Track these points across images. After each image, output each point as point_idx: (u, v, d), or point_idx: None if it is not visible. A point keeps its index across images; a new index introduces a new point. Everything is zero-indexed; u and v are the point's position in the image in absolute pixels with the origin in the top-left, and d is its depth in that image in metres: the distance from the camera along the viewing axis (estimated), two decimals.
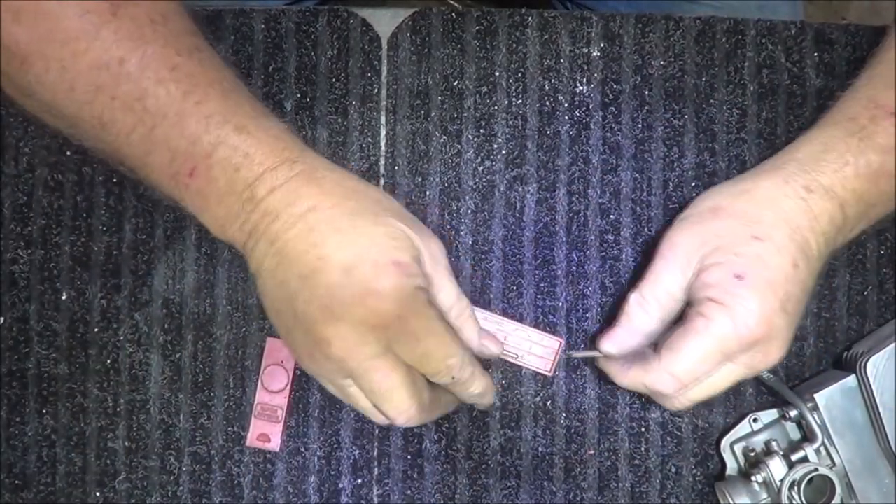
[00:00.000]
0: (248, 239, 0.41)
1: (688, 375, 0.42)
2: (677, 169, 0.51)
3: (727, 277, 0.42)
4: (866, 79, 0.46)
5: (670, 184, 0.51)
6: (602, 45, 0.52)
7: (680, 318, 0.44)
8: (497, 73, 0.52)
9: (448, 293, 0.43)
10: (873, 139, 0.43)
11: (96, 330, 0.50)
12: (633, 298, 0.45)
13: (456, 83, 0.51)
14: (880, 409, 0.46)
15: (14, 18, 0.38)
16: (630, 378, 0.45)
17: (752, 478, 0.47)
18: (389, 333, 0.39)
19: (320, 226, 0.40)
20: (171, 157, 0.40)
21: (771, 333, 0.42)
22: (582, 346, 0.51)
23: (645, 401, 0.50)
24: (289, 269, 0.40)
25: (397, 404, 0.41)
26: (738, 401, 0.51)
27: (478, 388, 0.44)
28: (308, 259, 0.40)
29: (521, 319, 0.51)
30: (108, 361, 0.50)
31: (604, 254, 0.51)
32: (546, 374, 0.50)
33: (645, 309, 0.45)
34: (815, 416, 0.47)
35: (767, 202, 0.44)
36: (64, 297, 0.50)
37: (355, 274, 0.39)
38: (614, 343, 0.45)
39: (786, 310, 0.42)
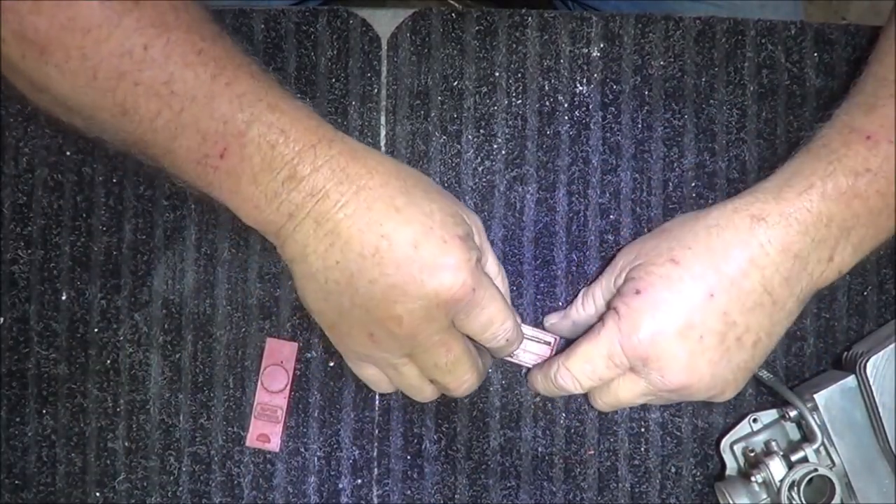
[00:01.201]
0: (288, 221, 0.40)
1: (580, 373, 0.45)
2: (677, 169, 0.51)
3: (630, 291, 0.44)
4: (845, 107, 0.45)
5: (670, 184, 0.51)
6: (602, 45, 0.52)
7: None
8: (497, 74, 0.52)
9: (492, 263, 0.46)
10: (843, 162, 0.42)
11: (96, 330, 0.50)
12: (581, 291, 0.50)
13: (456, 83, 0.51)
14: (880, 410, 0.46)
15: (33, 8, 0.37)
16: (542, 374, 0.47)
17: (752, 478, 0.47)
18: (459, 306, 0.41)
19: (377, 204, 0.40)
20: (201, 140, 0.39)
21: (659, 354, 0.42)
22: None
23: None
24: (346, 249, 0.40)
25: (461, 374, 0.44)
26: (738, 401, 0.51)
27: (517, 345, 0.47)
28: (369, 238, 0.40)
29: (520, 319, 0.51)
30: (108, 362, 0.50)
31: (604, 254, 0.51)
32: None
33: (582, 300, 0.49)
34: (815, 417, 0.47)
35: (706, 231, 0.43)
36: (64, 298, 0.50)
37: (423, 250, 0.40)
38: (554, 316, 0.50)
39: (686, 336, 0.42)
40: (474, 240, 0.43)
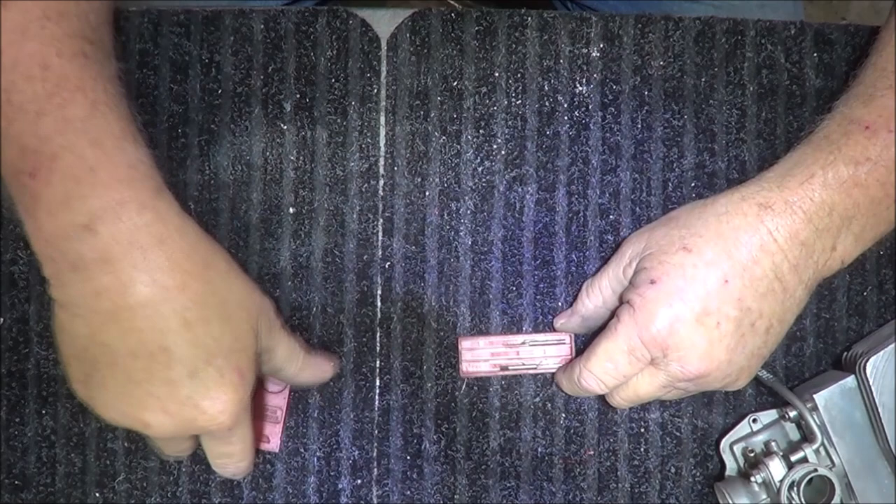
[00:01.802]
0: (70, 271, 0.38)
1: (603, 373, 0.45)
2: (677, 169, 0.51)
3: (644, 282, 0.44)
4: (844, 98, 0.45)
5: (670, 184, 0.51)
6: (601, 45, 0.52)
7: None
8: (496, 74, 0.52)
9: (283, 350, 0.45)
10: (843, 151, 0.43)
11: None
12: (584, 284, 0.50)
13: (455, 83, 0.51)
14: (880, 410, 0.46)
15: None
16: (566, 378, 0.48)
17: (752, 478, 0.47)
18: (209, 433, 0.41)
19: (166, 308, 0.38)
20: (19, 154, 0.37)
21: (678, 342, 0.42)
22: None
23: None
24: (119, 341, 0.38)
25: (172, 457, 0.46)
26: (738, 401, 0.51)
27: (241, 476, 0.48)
28: (148, 343, 0.38)
29: (520, 320, 0.51)
30: None
31: (603, 254, 0.51)
32: None
33: (588, 295, 0.49)
34: (815, 417, 0.47)
35: (715, 218, 0.44)
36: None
37: (198, 380, 0.39)
38: (562, 317, 0.50)
39: (703, 323, 0.42)
40: (257, 357, 0.42)
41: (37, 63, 0.38)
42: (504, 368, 0.50)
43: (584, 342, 0.50)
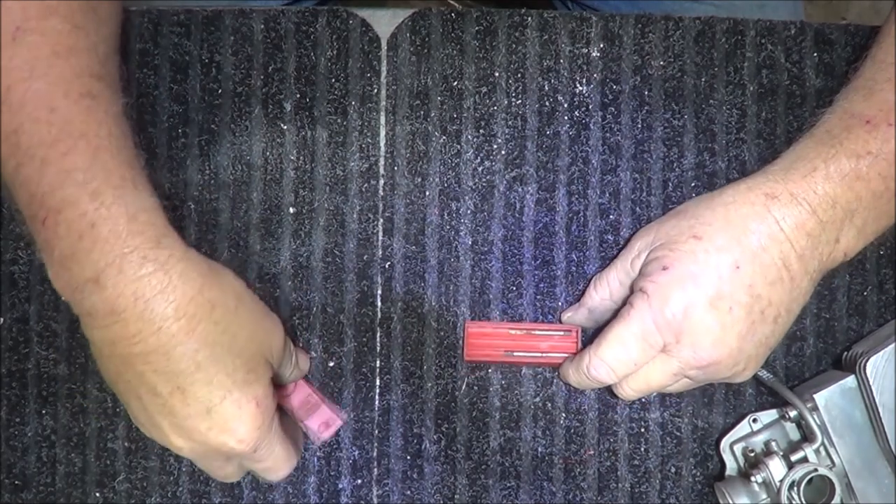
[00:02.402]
0: (86, 317, 0.39)
1: (614, 360, 0.44)
2: (677, 169, 0.51)
3: (657, 269, 0.44)
4: (844, 93, 0.46)
5: (670, 184, 0.51)
6: (602, 45, 0.52)
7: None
8: (496, 74, 0.52)
9: (286, 363, 0.46)
10: (844, 145, 0.43)
11: None
12: (593, 278, 0.50)
13: (455, 83, 0.51)
14: (880, 410, 0.46)
15: None
16: (573, 368, 0.47)
17: (752, 478, 0.47)
18: (240, 456, 0.42)
19: (176, 353, 0.39)
20: (29, 200, 0.38)
21: (692, 326, 0.42)
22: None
23: (644, 400, 0.50)
24: (137, 382, 0.40)
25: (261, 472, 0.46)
26: (738, 401, 0.51)
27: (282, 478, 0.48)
28: (163, 384, 0.39)
29: (520, 320, 0.51)
30: None
31: (603, 254, 0.51)
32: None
33: (595, 287, 0.49)
34: (815, 417, 0.47)
35: (723, 207, 0.44)
36: (63, 298, 0.50)
37: (216, 414, 0.40)
38: (569, 310, 0.50)
39: (717, 307, 0.42)
40: (270, 394, 0.43)
41: (44, 105, 0.38)
42: (509, 353, 0.49)
43: (590, 338, 0.51)
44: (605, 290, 0.48)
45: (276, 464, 0.44)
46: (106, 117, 0.39)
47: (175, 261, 0.39)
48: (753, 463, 0.48)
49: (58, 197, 0.37)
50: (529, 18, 0.52)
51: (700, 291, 0.42)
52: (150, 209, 0.39)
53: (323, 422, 0.49)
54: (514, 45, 0.52)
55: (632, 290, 0.46)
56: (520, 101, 0.51)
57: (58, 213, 0.37)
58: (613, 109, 0.51)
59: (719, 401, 0.51)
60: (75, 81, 0.39)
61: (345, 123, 0.51)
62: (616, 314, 0.45)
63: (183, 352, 0.39)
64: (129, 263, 0.38)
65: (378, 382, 0.51)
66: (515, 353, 0.49)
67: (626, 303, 0.45)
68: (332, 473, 0.50)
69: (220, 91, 0.51)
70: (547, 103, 0.51)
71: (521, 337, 0.49)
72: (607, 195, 0.51)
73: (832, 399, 0.47)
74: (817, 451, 0.47)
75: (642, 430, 0.51)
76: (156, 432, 0.42)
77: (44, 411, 0.50)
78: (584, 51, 0.52)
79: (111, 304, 0.38)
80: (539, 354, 0.49)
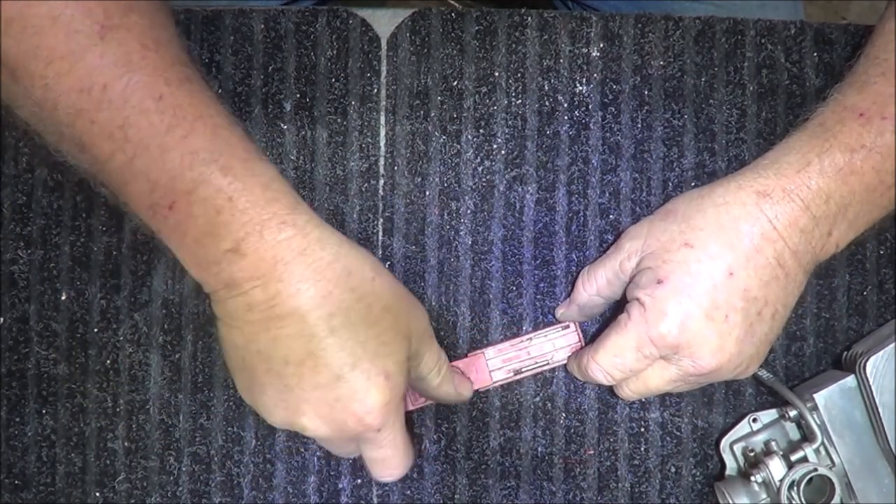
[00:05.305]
0: (224, 289, 0.39)
1: (610, 367, 0.45)
2: (677, 169, 0.51)
3: (651, 281, 0.44)
4: (838, 87, 0.46)
5: (670, 184, 0.51)
6: (601, 45, 0.52)
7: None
8: (496, 74, 0.52)
9: (430, 358, 0.45)
10: (838, 139, 0.43)
11: (96, 330, 0.50)
12: (581, 273, 0.50)
13: (455, 83, 0.51)
14: (880, 409, 0.46)
15: (5, 29, 0.37)
16: (576, 365, 0.48)
17: (752, 478, 0.47)
18: (360, 436, 0.41)
19: (312, 317, 0.39)
20: (151, 188, 0.38)
21: (690, 339, 0.43)
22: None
23: (644, 400, 0.50)
24: (271, 347, 0.39)
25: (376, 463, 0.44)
26: (738, 401, 0.51)
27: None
28: (296, 349, 0.39)
29: (521, 319, 0.51)
30: (108, 362, 0.50)
31: (603, 254, 0.51)
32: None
33: (583, 284, 0.49)
34: (815, 417, 0.47)
35: (714, 209, 0.44)
36: (63, 298, 0.50)
37: (344, 382, 0.40)
38: (561, 307, 0.51)
39: (713, 318, 0.42)
40: (406, 363, 0.42)
41: (149, 95, 0.38)
42: (518, 372, 0.50)
43: (593, 332, 0.51)
44: (592, 287, 0.49)
45: (396, 455, 0.43)
46: (210, 99, 0.40)
47: (312, 226, 0.40)
48: (753, 463, 0.48)
49: (187, 178, 0.38)
50: (529, 18, 0.52)
51: (695, 303, 0.42)
52: (279, 178, 0.40)
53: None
54: (514, 45, 0.52)
55: (625, 295, 0.46)
56: (520, 101, 0.51)
57: (189, 193, 0.38)
58: (613, 109, 0.51)
59: (719, 400, 0.51)
60: (171, 69, 0.39)
61: (345, 123, 0.51)
62: (612, 312, 0.46)
63: (318, 315, 0.39)
64: (269, 229, 0.38)
65: None
66: (524, 370, 0.50)
67: (620, 305, 0.45)
68: (332, 473, 0.50)
69: (219, 91, 0.51)
70: (547, 103, 0.51)
71: (524, 348, 0.50)
72: (607, 195, 0.51)
73: (832, 399, 0.47)
74: (817, 451, 0.47)
75: (642, 429, 0.51)
76: (281, 410, 0.41)
77: (44, 411, 0.50)
78: (584, 51, 0.52)
79: (252, 270, 0.38)
80: (546, 361, 0.50)
